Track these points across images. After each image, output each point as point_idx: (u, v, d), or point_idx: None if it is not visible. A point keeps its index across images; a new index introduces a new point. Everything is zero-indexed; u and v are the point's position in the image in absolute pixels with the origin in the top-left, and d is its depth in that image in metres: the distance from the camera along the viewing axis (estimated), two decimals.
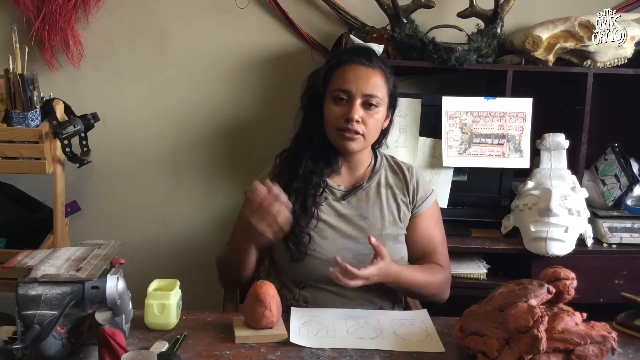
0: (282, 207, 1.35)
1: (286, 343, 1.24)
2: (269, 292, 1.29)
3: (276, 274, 1.57)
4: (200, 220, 2.46)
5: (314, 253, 1.49)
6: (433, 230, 1.61)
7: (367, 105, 1.48)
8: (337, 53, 1.63)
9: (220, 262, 1.60)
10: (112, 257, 1.20)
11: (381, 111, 1.51)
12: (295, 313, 1.39)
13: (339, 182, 1.57)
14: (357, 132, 1.47)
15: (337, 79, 1.50)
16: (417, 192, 1.59)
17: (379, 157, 1.63)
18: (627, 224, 2.07)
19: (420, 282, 1.51)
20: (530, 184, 2.06)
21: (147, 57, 2.35)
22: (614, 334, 1.12)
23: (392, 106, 1.57)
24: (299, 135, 1.58)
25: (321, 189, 1.53)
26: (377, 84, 1.49)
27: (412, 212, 1.59)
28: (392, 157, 1.66)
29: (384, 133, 1.61)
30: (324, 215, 1.52)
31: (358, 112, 1.46)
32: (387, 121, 1.58)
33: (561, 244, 1.93)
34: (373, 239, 1.38)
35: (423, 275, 1.52)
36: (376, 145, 1.63)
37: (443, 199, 2.08)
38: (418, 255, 1.59)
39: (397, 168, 1.62)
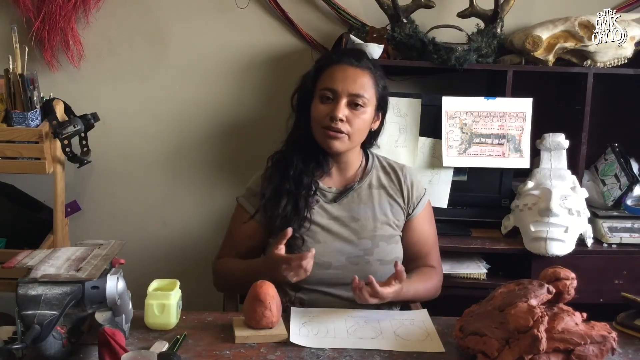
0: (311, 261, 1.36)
1: (286, 343, 1.24)
2: (269, 292, 1.29)
3: None
4: (200, 221, 2.46)
5: None
6: (428, 232, 1.63)
7: (353, 105, 1.48)
8: (327, 53, 1.62)
9: (221, 272, 1.59)
10: (112, 257, 1.20)
11: (368, 112, 1.50)
12: (295, 313, 1.39)
13: (330, 184, 1.57)
14: (341, 131, 1.47)
15: (325, 78, 1.50)
16: (412, 194, 1.59)
17: (370, 157, 1.62)
18: (627, 224, 2.07)
19: (422, 293, 1.55)
20: (530, 184, 2.06)
21: (147, 57, 2.34)
22: (614, 334, 1.12)
23: (381, 108, 1.56)
24: (291, 136, 1.59)
25: (312, 191, 1.53)
26: (364, 85, 1.49)
27: (407, 214, 1.59)
28: (385, 158, 1.65)
29: (374, 135, 1.61)
30: (316, 218, 1.52)
31: (342, 111, 1.46)
32: (377, 123, 1.58)
33: (561, 244, 1.93)
34: (399, 265, 1.39)
35: (423, 284, 1.55)
36: (367, 146, 1.62)
37: (443, 199, 2.08)
38: (413, 257, 1.61)
39: (389, 169, 1.62)
